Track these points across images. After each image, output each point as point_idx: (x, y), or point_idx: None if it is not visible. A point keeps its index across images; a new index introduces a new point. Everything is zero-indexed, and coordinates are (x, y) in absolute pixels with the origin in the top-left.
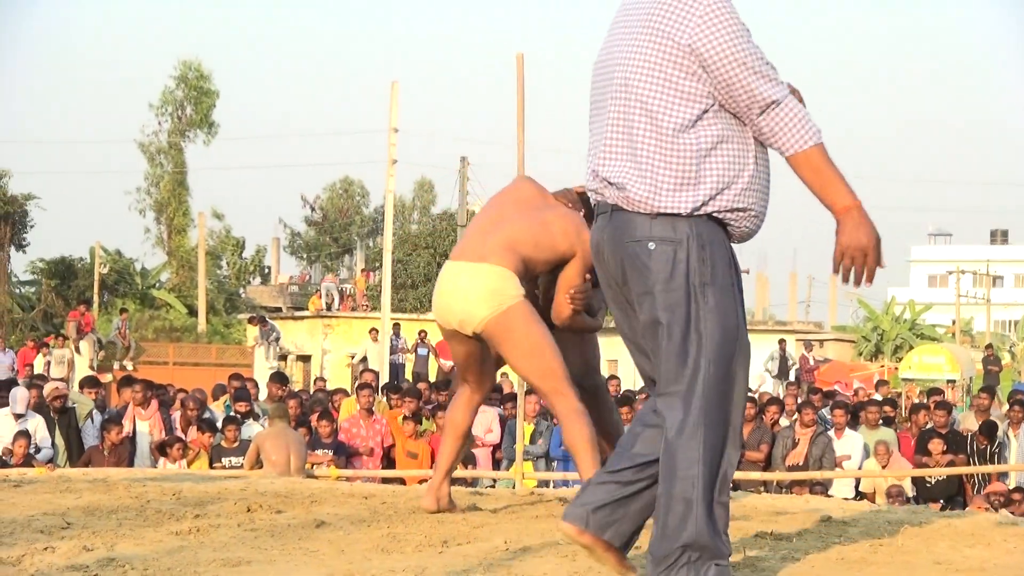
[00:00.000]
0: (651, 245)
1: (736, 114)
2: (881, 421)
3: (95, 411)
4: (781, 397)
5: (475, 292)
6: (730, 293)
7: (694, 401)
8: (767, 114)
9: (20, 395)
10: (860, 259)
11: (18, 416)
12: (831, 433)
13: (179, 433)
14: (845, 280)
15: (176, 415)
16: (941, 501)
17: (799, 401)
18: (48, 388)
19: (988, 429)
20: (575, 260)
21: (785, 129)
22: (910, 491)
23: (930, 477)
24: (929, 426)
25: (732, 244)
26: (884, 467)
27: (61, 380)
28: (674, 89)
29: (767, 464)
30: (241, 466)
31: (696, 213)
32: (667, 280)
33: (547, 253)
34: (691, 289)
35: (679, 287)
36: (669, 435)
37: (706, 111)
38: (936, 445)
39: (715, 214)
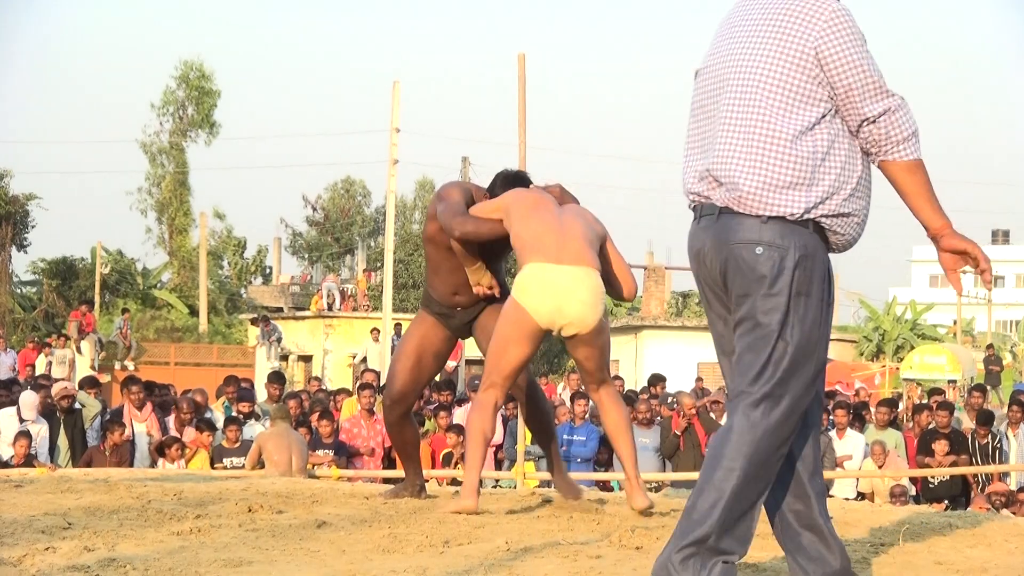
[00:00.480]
0: (759, 249)
1: (848, 119)
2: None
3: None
4: None
5: (587, 296)
6: (820, 307)
7: (765, 404)
8: (884, 119)
9: (29, 400)
10: (982, 258)
11: (24, 420)
12: (832, 433)
13: (174, 434)
14: (959, 288)
15: (171, 416)
16: (945, 501)
17: None
18: (57, 388)
19: (985, 418)
20: (609, 240)
21: (899, 134)
22: (911, 491)
23: (933, 477)
24: (931, 426)
25: (834, 254)
26: (880, 467)
27: (63, 380)
28: (795, 93)
29: None
30: (242, 466)
31: (807, 216)
32: (770, 284)
33: (601, 233)
34: (790, 297)
35: (780, 292)
36: (732, 431)
37: (824, 115)
38: (940, 446)
39: (824, 218)
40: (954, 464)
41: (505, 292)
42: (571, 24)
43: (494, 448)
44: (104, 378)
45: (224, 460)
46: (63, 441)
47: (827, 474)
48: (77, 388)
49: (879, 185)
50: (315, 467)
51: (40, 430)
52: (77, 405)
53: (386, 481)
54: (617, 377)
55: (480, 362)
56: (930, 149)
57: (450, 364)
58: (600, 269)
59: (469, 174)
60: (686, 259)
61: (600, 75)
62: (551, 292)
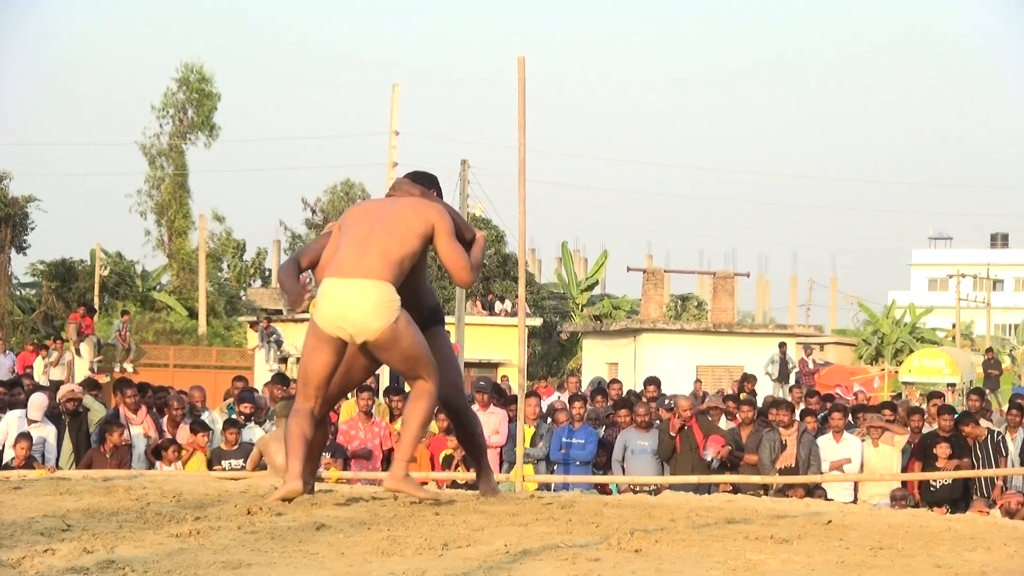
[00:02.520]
0: None
1: None
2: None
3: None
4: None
5: (368, 306)
6: None
7: None
8: None
9: (38, 401)
10: None
11: (32, 421)
12: (828, 436)
13: (167, 435)
14: None
15: (165, 419)
16: (946, 505)
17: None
18: (63, 390)
19: (978, 394)
20: (439, 232)
21: None
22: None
23: (934, 482)
24: (930, 430)
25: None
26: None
27: (61, 383)
28: None
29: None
30: (241, 468)
31: None
32: None
33: (414, 242)
34: None
35: None
36: None
37: None
38: (942, 450)
39: None
40: (957, 468)
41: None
42: (571, 27)
43: (498, 450)
44: (103, 380)
45: (223, 463)
46: (67, 444)
47: (823, 478)
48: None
49: (877, 190)
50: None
51: (47, 433)
52: (82, 408)
53: None
54: (616, 380)
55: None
56: (931, 152)
57: None
58: (396, 279)
59: (468, 177)
60: (685, 262)
61: (600, 78)
62: (335, 304)
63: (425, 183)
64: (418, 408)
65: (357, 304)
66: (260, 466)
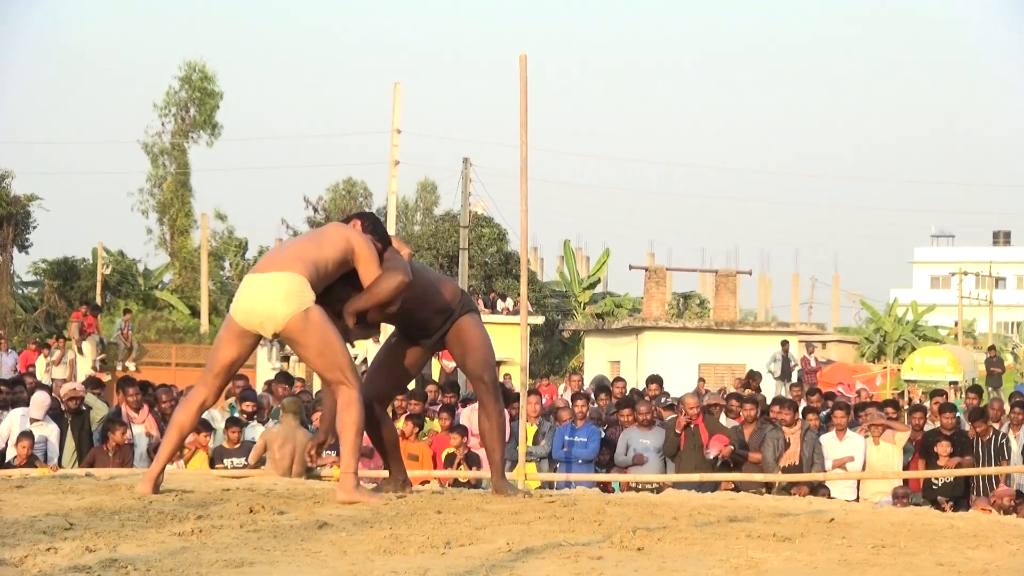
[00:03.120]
0: None
1: None
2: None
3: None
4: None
5: (278, 294)
6: None
7: None
8: None
9: (40, 399)
10: None
11: (34, 420)
12: (832, 434)
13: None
14: None
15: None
16: (949, 502)
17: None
18: (65, 389)
19: (978, 415)
20: (361, 257)
21: None
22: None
23: (936, 479)
24: (932, 428)
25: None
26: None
27: (64, 381)
28: None
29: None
30: (244, 466)
31: None
32: None
33: (331, 251)
34: None
35: None
36: None
37: None
38: (943, 447)
39: None
40: (959, 466)
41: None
42: (573, 25)
43: None
44: (105, 379)
45: (224, 461)
46: (70, 443)
47: (827, 476)
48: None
49: (879, 187)
50: (318, 467)
51: (49, 431)
52: (84, 407)
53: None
54: (619, 379)
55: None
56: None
57: (449, 365)
58: (311, 275)
59: (470, 175)
60: (687, 260)
61: (601, 76)
62: (246, 295)
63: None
64: (347, 418)
65: (267, 293)
66: (261, 460)
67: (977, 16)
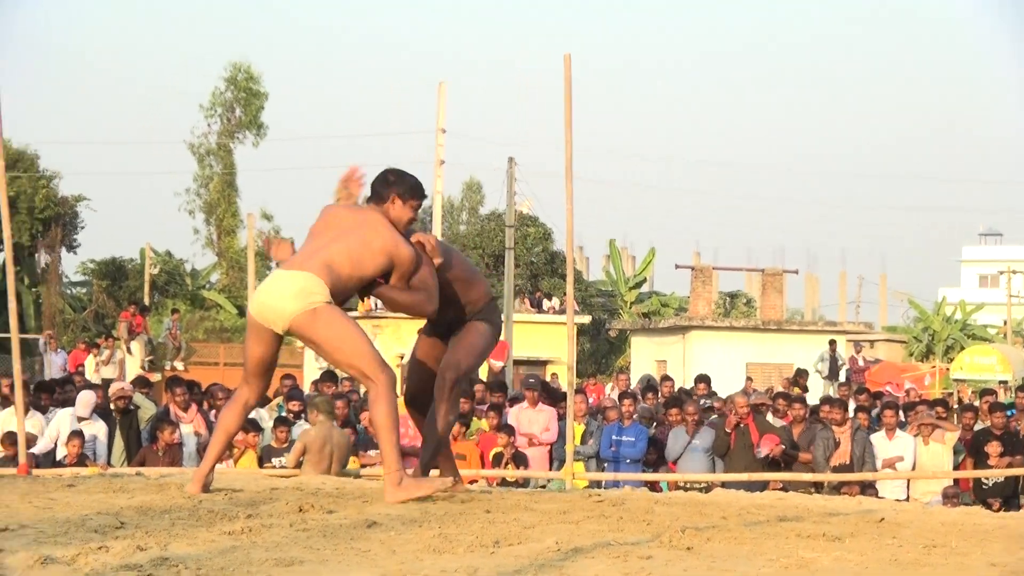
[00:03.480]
0: None
1: None
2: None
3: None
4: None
5: (287, 291)
6: None
7: None
8: None
9: (85, 398)
10: None
11: (81, 419)
12: (881, 433)
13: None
14: None
15: (213, 413)
16: (999, 502)
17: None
18: (113, 388)
19: None
20: (399, 272)
21: None
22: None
23: (987, 478)
24: (982, 427)
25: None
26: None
27: (112, 381)
28: None
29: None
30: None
31: None
32: None
33: (368, 270)
34: None
35: None
36: None
37: None
38: (994, 447)
39: None
40: (1009, 465)
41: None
42: (618, 24)
43: (548, 448)
44: (154, 378)
45: (273, 460)
46: (118, 442)
47: (876, 475)
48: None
49: (927, 186)
50: (364, 467)
51: (98, 430)
52: (132, 406)
53: None
54: (667, 378)
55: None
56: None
57: (497, 364)
58: (329, 280)
59: (515, 174)
60: (733, 259)
61: (647, 75)
62: (262, 290)
63: (383, 192)
64: (378, 415)
65: (281, 290)
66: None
67: (970, 11)
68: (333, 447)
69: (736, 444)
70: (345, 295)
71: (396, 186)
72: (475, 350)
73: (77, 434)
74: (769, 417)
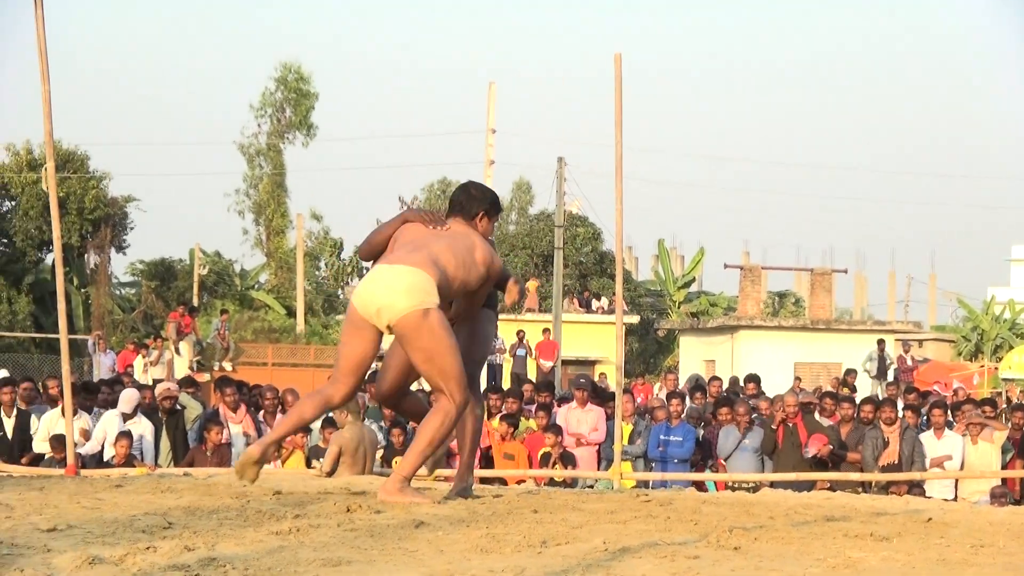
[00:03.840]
0: None
1: None
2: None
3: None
4: (879, 398)
5: (400, 286)
6: None
7: None
8: None
9: (128, 395)
10: None
11: (126, 417)
12: (930, 433)
13: (267, 428)
14: None
15: (261, 413)
16: None
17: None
18: (160, 388)
19: None
20: (485, 284)
21: None
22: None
23: None
24: None
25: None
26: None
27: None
28: None
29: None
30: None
31: None
32: None
33: (468, 273)
34: None
35: None
36: None
37: None
38: None
39: None
40: None
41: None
42: (668, 23)
43: (596, 448)
44: (203, 378)
45: (320, 460)
46: (165, 442)
47: (923, 475)
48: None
49: (976, 185)
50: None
51: (144, 429)
52: (179, 406)
53: (483, 481)
54: (716, 378)
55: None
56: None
57: (546, 364)
58: (438, 279)
59: (565, 174)
60: (783, 258)
61: (696, 75)
62: (369, 284)
63: (470, 208)
64: (431, 424)
65: (390, 285)
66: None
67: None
68: (367, 447)
69: (784, 443)
70: (447, 298)
71: (482, 203)
72: (489, 338)
73: (125, 435)
74: (817, 416)
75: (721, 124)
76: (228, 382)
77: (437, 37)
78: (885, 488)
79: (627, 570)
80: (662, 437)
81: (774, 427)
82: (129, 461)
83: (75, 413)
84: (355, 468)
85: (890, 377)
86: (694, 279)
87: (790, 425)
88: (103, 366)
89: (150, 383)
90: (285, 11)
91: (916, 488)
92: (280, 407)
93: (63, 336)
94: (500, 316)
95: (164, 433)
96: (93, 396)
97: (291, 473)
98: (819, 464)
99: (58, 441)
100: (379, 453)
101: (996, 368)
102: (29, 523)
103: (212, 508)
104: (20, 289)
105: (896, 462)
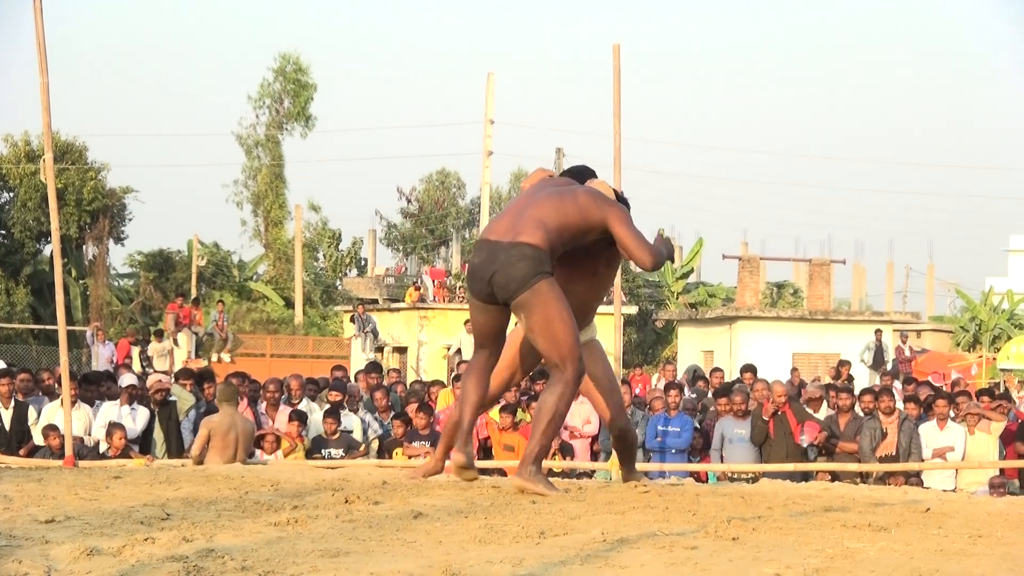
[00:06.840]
0: None
1: None
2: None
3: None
4: (877, 388)
5: (514, 259)
6: None
7: None
8: None
9: (128, 380)
10: None
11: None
12: (932, 423)
13: (268, 420)
14: None
15: (262, 406)
16: None
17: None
18: (151, 380)
19: None
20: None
21: None
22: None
23: None
24: None
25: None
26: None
27: (164, 373)
28: None
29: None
30: (341, 456)
31: None
32: None
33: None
34: None
35: None
36: None
37: None
38: None
39: None
40: None
41: None
42: (667, 13)
43: (590, 440)
44: (200, 364)
45: (322, 452)
46: (158, 433)
47: (921, 465)
48: (173, 380)
49: (973, 175)
50: (412, 458)
51: (137, 415)
52: (171, 397)
53: (482, 472)
54: (717, 369)
55: None
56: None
57: None
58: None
59: (563, 165)
60: (781, 249)
61: (694, 65)
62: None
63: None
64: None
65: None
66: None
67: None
68: (238, 433)
69: (775, 433)
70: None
71: (593, 177)
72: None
73: (118, 426)
74: (824, 408)
75: (719, 115)
76: (233, 374)
77: (436, 28)
78: (883, 479)
79: (625, 560)
80: (660, 428)
81: (765, 418)
82: (125, 452)
83: (74, 404)
84: (226, 452)
85: (888, 367)
86: (692, 269)
87: (780, 414)
88: (101, 357)
89: (163, 372)
90: (283, 2)
91: (914, 478)
92: (288, 398)
93: (61, 327)
94: None
95: (157, 425)
96: (94, 387)
97: (289, 464)
98: (817, 453)
99: (50, 430)
100: (370, 446)
101: (994, 358)
102: (27, 514)
103: (210, 499)
104: (18, 280)
105: (894, 453)
